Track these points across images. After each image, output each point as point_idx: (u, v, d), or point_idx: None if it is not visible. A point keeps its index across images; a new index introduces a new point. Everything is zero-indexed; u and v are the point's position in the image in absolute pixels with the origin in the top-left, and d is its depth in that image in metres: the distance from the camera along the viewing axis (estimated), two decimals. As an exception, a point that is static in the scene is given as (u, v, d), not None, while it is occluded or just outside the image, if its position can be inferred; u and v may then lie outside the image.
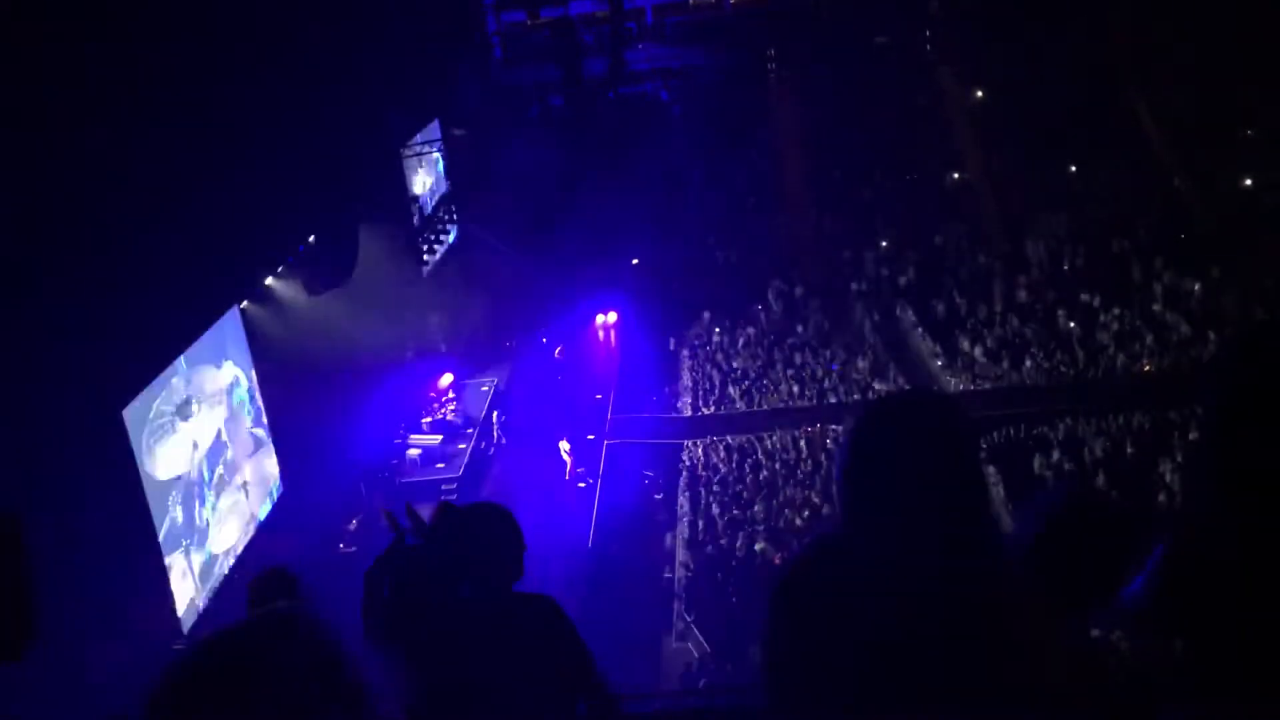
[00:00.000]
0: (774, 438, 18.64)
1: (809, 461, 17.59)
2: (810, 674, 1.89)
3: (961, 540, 1.84)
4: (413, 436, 17.50)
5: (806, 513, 15.75)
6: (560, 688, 3.18)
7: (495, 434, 18.46)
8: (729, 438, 19.03)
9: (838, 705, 1.85)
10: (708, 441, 18.96)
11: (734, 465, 17.91)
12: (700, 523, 16.24)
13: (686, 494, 17.36)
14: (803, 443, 18.39)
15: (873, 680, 1.81)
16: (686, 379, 21.50)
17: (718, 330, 22.58)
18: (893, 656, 1.80)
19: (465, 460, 17.03)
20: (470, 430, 17.90)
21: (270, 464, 13.57)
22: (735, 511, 16.26)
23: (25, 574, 1.65)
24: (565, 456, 17.53)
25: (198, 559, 11.41)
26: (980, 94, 24.71)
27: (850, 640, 1.83)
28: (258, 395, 13.29)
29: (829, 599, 1.88)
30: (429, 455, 17.07)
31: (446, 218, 19.37)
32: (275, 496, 13.56)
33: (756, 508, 16.13)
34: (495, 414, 18.53)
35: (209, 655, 1.24)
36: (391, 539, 3.42)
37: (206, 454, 11.83)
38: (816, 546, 2.03)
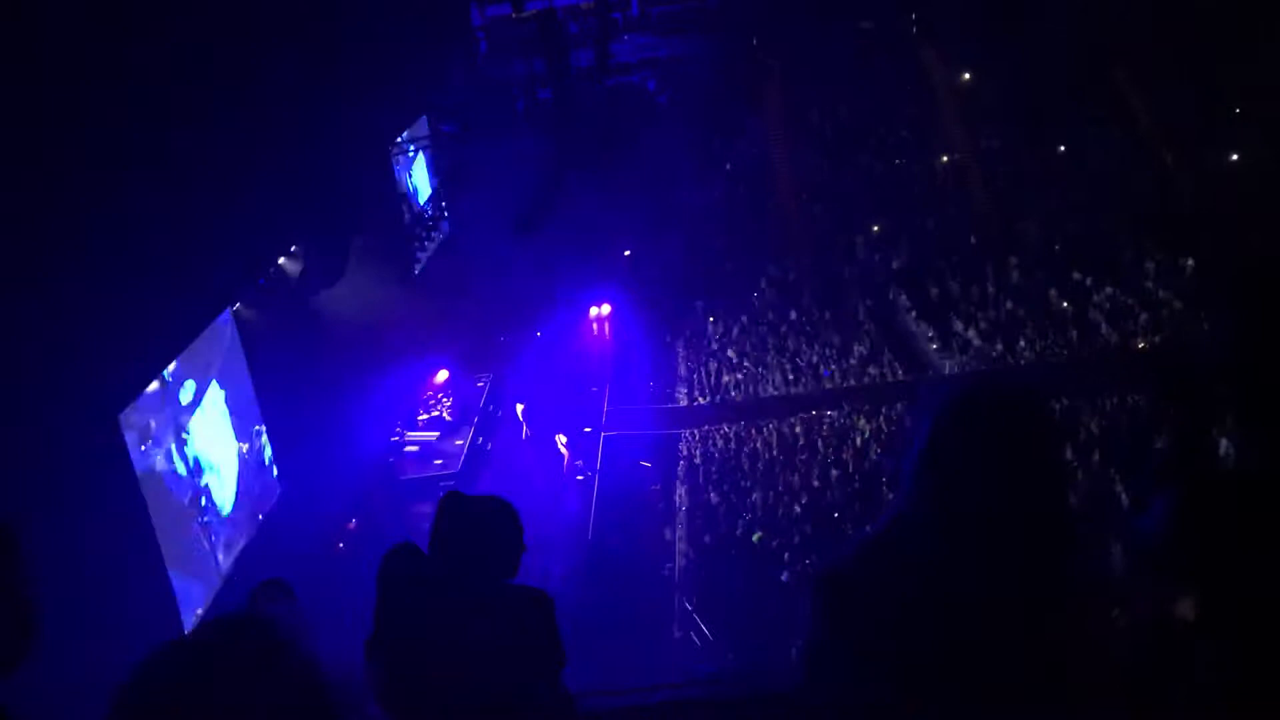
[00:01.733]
0: (770, 425, 18.67)
1: (805, 449, 17.62)
2: (855, 668, 1.85)
3: (1033, 536, 1.79)
4: (409, 434, 17.50)
5: (804, 499, 15.78)
6: (528, 681, 3.17)
7: (522, 428, 18.41)
8: (725, 426, 19.06)
9: (882, 700, 1.82)
10: (704, 430, 18.98)
11: (731, 453, 17.94)
12: (698, 512, 16.27)
13: (684, 483, 17.39)
14: (799, 429, 18.41)
15: (923, 676, 1.78)
16: (682, 369, 21.52)
17: (712, 319, 22.59)
18: (946, 652, 1.76)
19: (463, 456, 17.04)
20: (467, 426, 17.90)
21: (266, 463, 13.56)
22: (734, 499, 16.29)
23: (24, 582, 1.64)
24: (562, 450, 17.55)
25: (197, 559, 11.40)
26: (967, 76, 24.70)
27: (902, 635, 1.78)
28: (253, 394, 13.27)
29: (883, 592, 1.83)
30: (426, 451, 17.08)
31: (437, 214, 19.34)
32: (274, 496, 13.55)
33: (754, 495, 16.16)
34: (520, 406, 18.52)
35: (164, 665, 1.21)
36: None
37: (201, 455, 11.82)
38: (869, 538, 1.95)
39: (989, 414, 1.86)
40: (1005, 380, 1.98)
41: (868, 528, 2.00)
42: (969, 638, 1.76)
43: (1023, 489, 1.79)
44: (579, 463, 17.55)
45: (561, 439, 17.62)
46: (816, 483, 16.25)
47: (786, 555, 14.58)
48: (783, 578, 14.15)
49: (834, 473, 16.29)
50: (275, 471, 13.69)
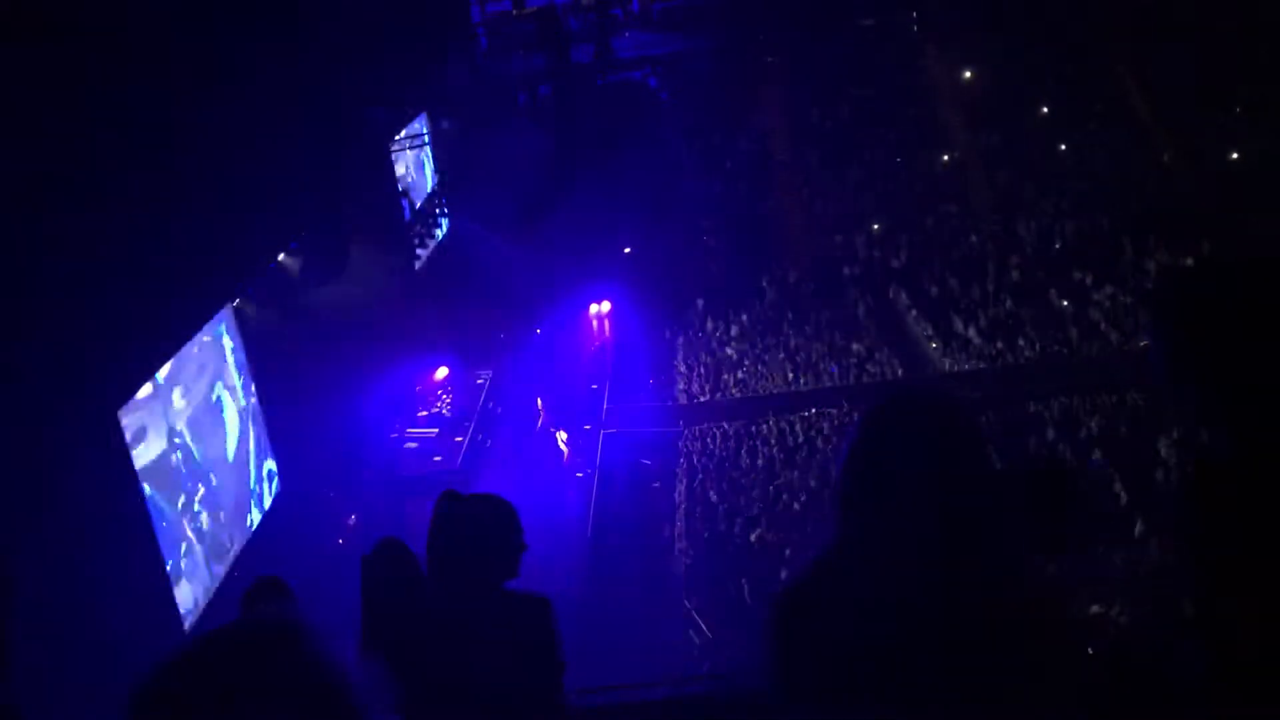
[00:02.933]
0: (770, 423, 18.66)
1: (805, 447, 17.62)
2: (815, 690, 1.86)
3: (965, 549, 1.79)
4: (409, 430, 17.50)
5: (804, 497, 15.78)
6: (529, 693, 3.10)
7: (539, 417, 18.29)
8: (725, 424, 19.05)
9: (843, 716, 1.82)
10: (704, 428, 18.98)
11: (731, 451, 17.94)
12: (699, 510, 16.27)
13: (684, 482, 17.39)
14: (799, 428, 18.41)
15: (876, 694, 1.78)
16: (681, 366, 21.53)
17: (711, 317, 22.59)
18: (895, 670, 1.77)
19: (462, 452, 17.04)
20: (467, 423, 17.90)
21: (266, 460, 13.56)
22: (733, 498, 16.29)
23: (4, 613, 1.59)
24: (562, 447, 17.54)
25: (195, 558, 11.40)
26: (968, 74, 24.69)
27: (851, 656, 1.80)
28: (252, 392, 13.27)
29: (827, 616, 1.85)
30: (426, 448, 17.08)
31: (437, 211, 19.33)
32: (272, 493, 13.56)
33: (754, 493, 16.17)
34: (539, 400, 18.41)
35: (189, 667, 1.17)
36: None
37: (198, 452, 11.82)
38: (814, 562, 1.98)
39: (895, 426, 1.91)
40: (914, 392, 2.02)
41: (811, 558, 2.02)
42: (910, 653, 1.77)
43: (935, 500, 1.81)
44: (579, 464, 17.55)
45: (562, 436, 17.62)
46: (815, 481, 16.24)
47: (787, 553, 14.59)
48: (782, 576, 14.16)
49: (834, 471, 16.28)
50: (274, 468, 13.70)
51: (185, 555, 11.17)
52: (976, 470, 1.86)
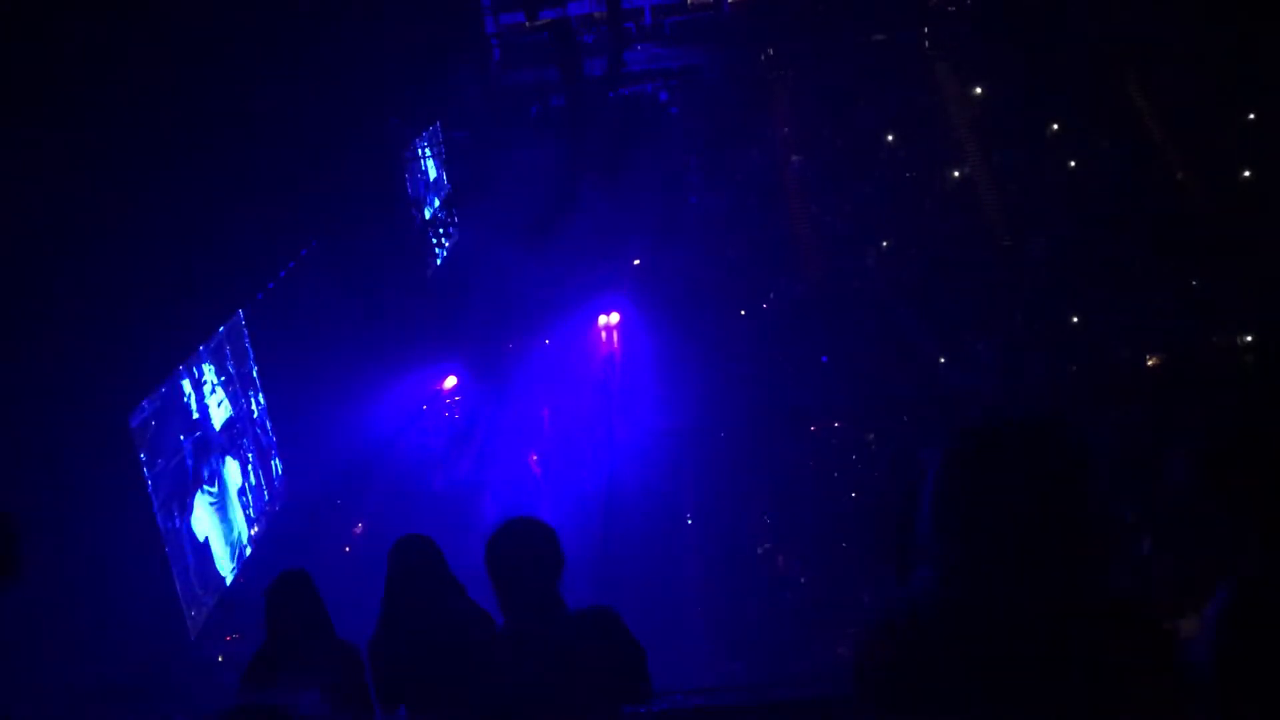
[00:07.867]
0: (779, 438, 18.59)
1: (814, 461, 17.57)
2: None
3: (1072, 594, 1.72)
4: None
5: (812, 512, 15.74)
6: (615, 697, 3.17)
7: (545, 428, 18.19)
8: (735, 438, 18.97)
9: None
10: (714, 442, 18.91)
11: (740, 466, 17.88)
12: (707, 525, 16.22)
13: (693, 496, 17.33)
14: (808, 442, 18.36)
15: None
16: (690, 380, 21.45)
17: (720, 329, 22.53)
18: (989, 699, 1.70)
19: (470, 463, 16.99)
20: (476, 432, 17.86)
21: (273, 466, 13.57)
22: (742, 513, 16.24)
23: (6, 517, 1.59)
24: (535, 469, 17.47)
25: (202, 563, 11.41)
26: (979, 90, 24.69)
27: (947, 684, 1.72)
28: (260, 399, 13.29)
29: (920, 656, 1.76)
30: (434, 458, 17.03)
31: (448, 220, 19.36)
32: (279, 500, 13.56)
33: (763, 508, 16.12)
34: (545, 411, 18.32)
35: None
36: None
37: (209, 460, 11.83)
38: (907, 601, 1.85)
39: (997, 456, 1.78)
40: (1019, 421, 1.87)
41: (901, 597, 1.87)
42: (1014, 682, 1.70)
43: (1050, 528, 1.71)
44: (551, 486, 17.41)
45: (533, 458, 17.55)
46: (824, 496, 16.20)
47: (795, 566, 14.56)
48: (789, 590, 14.12)
49: (841, 486, 16.24)
50: (282, 476, 13.71)
51: (192, 560, 11.18)
52: (1074, 506, 1.76)
